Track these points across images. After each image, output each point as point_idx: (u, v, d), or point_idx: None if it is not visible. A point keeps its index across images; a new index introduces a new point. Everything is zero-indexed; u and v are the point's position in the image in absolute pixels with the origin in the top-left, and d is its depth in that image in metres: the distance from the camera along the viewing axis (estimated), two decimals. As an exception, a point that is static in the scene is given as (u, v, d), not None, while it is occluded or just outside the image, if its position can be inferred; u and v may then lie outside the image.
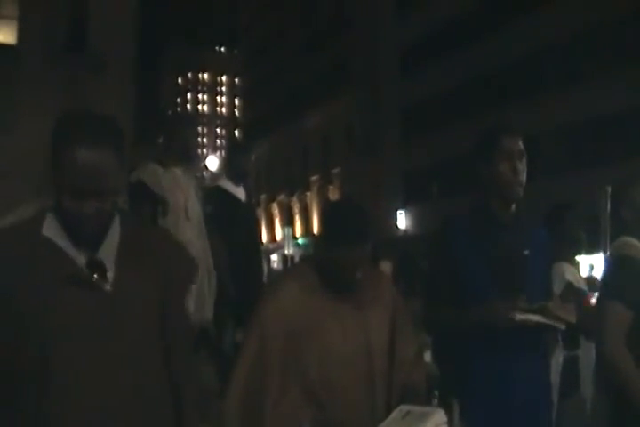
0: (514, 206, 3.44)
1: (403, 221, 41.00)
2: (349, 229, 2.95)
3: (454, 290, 3.37)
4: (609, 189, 4.98)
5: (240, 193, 6.76)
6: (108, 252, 2.19)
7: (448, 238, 3.48)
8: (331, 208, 3.38)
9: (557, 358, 4.23)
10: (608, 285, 3.66)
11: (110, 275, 2.16)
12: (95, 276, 2.14)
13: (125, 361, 2.16)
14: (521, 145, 3.44)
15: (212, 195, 6.63)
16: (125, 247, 2.22)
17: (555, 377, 4.00)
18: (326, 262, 3.05)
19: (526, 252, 3.42)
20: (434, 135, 37.25)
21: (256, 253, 7.35)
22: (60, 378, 2.08)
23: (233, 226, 6.50)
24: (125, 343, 2.16)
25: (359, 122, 45.90)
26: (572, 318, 3.29)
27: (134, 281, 2.19)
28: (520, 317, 3.16)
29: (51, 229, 2.15)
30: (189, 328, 2.39)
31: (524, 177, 3.39)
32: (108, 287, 2.14)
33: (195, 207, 5.87)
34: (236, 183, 6.71)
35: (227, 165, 6.95)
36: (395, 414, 2.77)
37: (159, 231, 2.43)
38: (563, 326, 3.29)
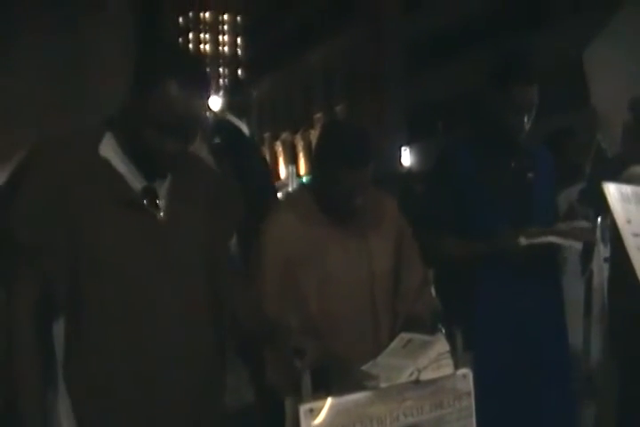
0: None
1: (407, 157, 40.77)
2: (348, 150, 2.70)
3: (458, 216, 3.27)
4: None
5: (244, 128, 6.84)
6: (163, 183, 2.18)
7: (451, 163, 3.35)
8: (327, 128, 2.97)
9: (572, 281, 4.11)
10: None
11: (162, 204, 2.15)
12: (147, 203, 2.14)
13: (175, 289, 2.15)
14: (534, 94, 3.21)
15: (221, 127, 6.72)
16: (178, 180, 2.21)
17: (574, 298, 3.91)
18: (324, 187, 2.82)
19: (530, 175, 3.33)
20: (440, 70, 36.71)
21: (269, 182, 7.44)
22: (104, 294, 2.07)
23: (244, 158, 6.59)
24: (174, 271, 2.15)
25: (362, 57, 45.33)
26: (590, 236, 3.24)
27: (185, 213, 2.18)
28: (528, 240, 3.10)
29: (109, 151, 2.10)
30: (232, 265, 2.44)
31: (528, 126, 3.24)
32: (160, 215, 2.14)
33: None
34: (239, 117, 6.79)
35: (228, 100, 7.05)
36: (395, 342, 2.66)
37: (210, 170, 2.43)
38: (579, 245, 3.20)
